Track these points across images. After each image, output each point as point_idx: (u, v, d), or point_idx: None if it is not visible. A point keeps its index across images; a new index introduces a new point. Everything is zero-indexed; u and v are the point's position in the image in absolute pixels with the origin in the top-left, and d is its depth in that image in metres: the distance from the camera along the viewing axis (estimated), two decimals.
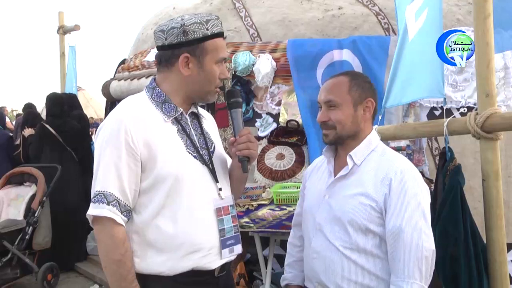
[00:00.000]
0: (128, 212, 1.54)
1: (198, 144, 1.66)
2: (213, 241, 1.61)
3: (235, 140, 1.67)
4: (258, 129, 4.09)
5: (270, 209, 3.25)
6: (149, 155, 1.53)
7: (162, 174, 1.54)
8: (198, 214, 1.59)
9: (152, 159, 1.53)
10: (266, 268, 3.45)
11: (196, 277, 1.58)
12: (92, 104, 13.50)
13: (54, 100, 5.29)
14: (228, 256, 1.67)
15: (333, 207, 1.71)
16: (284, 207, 3.25)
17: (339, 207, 1.70)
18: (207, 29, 1.58)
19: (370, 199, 1.64)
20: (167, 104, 1.63)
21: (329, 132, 1.74)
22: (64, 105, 5.32)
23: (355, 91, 1.72)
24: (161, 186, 1.54)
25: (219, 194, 1.66)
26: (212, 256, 1.61)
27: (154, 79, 1.69)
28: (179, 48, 1.58)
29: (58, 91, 6.82)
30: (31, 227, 4.33)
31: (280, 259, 3.75)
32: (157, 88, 1.65)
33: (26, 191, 4.57)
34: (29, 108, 7.39)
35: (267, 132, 4.05)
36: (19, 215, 4.39)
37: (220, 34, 1.63)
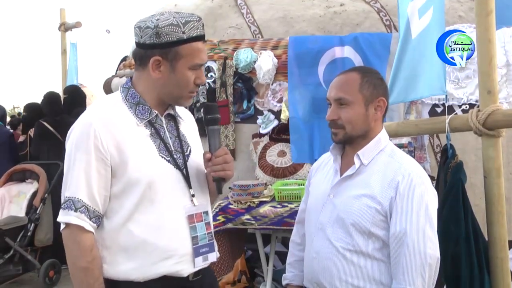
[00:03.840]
0: (97, 218, 1.50)
1: (172, 148, 1.60)
2: (186, 249, 1.56)
3: (210, 158, 1.61)
4: (260, 126, 4.08)
5: (272, 206, 3.25)
6: (119, 160, 1.48)
7: (133, 179, 1.49)
8: (170, 220, 1.54)
9: (123, 163, 1.48)
10: (268, 265, 3.45)
11: (168, 282, 1.54)
12: (93, 101, 13.48)
13: (50, 99, 5.34)
14: (202, 264, 1.61)
15: (337, 207, 1.67)
16: (286, 204, 3.24)
17: (343, 207, 1.65)
18: (183, 32, 1.48)
19: (376, 202, 1.60)
20: (141, 106, 1.56)
21: (338, 131, 1.69)
22: (60, 103, 5.37)
23: (366, 89, 1.66)
24: (132, 191, 1.49)
25: (191, 200, 1.60)
26: (184, 264, 1.56)
27: (131, 78, 1.62)
28: (151, 49, 1.50)
29: (60, 88, 6.81)
30: (33, 224, 4.34)
31: (282, 256, 3.75)
32: (132, 89, 1.58)
33: (28, 188, 4.57)
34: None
35: (269, 129, 4.04)
36: (21, 212, 4.40)
37: (198, 38, 1.52)
